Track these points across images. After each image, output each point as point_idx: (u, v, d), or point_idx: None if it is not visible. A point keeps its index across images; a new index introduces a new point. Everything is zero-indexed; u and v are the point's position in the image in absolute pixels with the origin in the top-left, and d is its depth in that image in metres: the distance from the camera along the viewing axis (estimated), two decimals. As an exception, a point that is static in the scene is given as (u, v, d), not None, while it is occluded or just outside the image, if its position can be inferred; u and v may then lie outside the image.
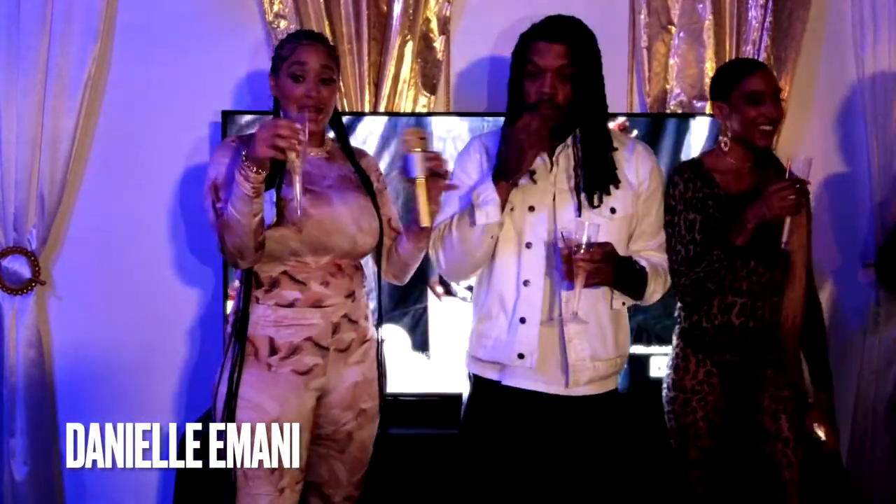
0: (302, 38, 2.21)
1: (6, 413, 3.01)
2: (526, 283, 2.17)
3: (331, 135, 2.32)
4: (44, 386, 3.05)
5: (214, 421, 2.12)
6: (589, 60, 2.16)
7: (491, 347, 2.21)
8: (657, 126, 2.93)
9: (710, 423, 2.41)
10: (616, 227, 2.18)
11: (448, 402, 2.83)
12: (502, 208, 2.12)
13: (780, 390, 2.41)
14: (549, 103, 2.12)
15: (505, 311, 2.19)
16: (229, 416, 2.09)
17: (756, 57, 2.99)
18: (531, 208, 2.18)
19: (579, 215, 2.15)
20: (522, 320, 2.16)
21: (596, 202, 2.16)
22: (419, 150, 2.07)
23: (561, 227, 2.13)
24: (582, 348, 2.15)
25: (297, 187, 1.96)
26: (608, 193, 2.17)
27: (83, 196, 3.09)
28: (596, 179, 2.17)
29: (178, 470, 2.77)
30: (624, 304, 2.23)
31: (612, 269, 2.08)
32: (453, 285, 2.90)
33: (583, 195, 2.16)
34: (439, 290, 2.95)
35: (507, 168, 2.11)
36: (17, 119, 2.92)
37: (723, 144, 2.41)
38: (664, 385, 2.49)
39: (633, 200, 2.21)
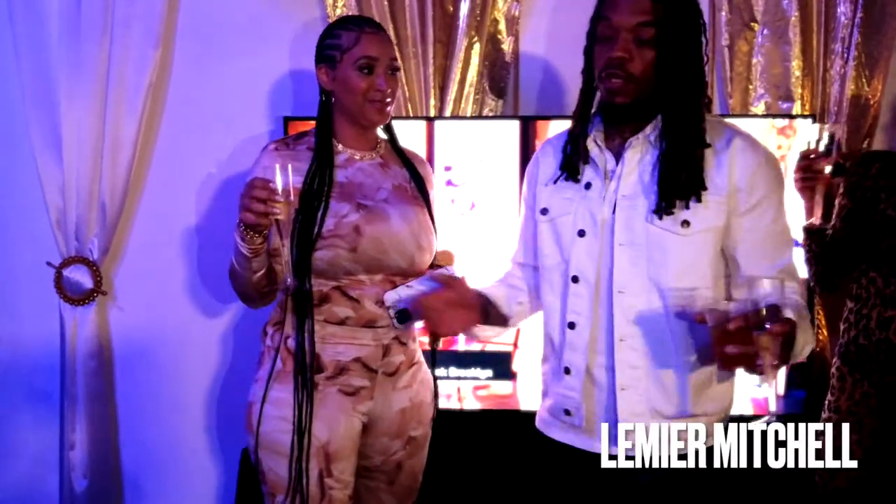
0: (364, 25, 2.05)
1: (66, 425, 2.98)
2: (571, 325, 1.76)
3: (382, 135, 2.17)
4: (104, 398, 3.02)
5: (253, 444, 2.03)
6: (682, 20, 1.67)
7: (545, 393, 1.88)
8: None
9: (864, 450, 2.21)
10: (692, 246, 1.68)
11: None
12: None
13: None
14: (620, 71, 1.65)
15: (555, 354, 1.82)
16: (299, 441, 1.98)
17: (846, 55, 2.85)
18: (581, 233, 1.75)
19: (660, 218, 1.68)
20: (567, 370, 1.78)
21: (666, 210, 1.68)
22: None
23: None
24: (637, 400, 1.71)
25: (285, 251, 1.91)
26: (687, 206, 1.67)
27: (144, 204, 3.04)
28: (675, 184, 1.67)
29: (240, 479, 2.73)
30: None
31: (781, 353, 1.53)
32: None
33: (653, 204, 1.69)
34: None
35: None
36: (78, 127, 2.88)
37: None
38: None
39: (720, 209, 1.68)
